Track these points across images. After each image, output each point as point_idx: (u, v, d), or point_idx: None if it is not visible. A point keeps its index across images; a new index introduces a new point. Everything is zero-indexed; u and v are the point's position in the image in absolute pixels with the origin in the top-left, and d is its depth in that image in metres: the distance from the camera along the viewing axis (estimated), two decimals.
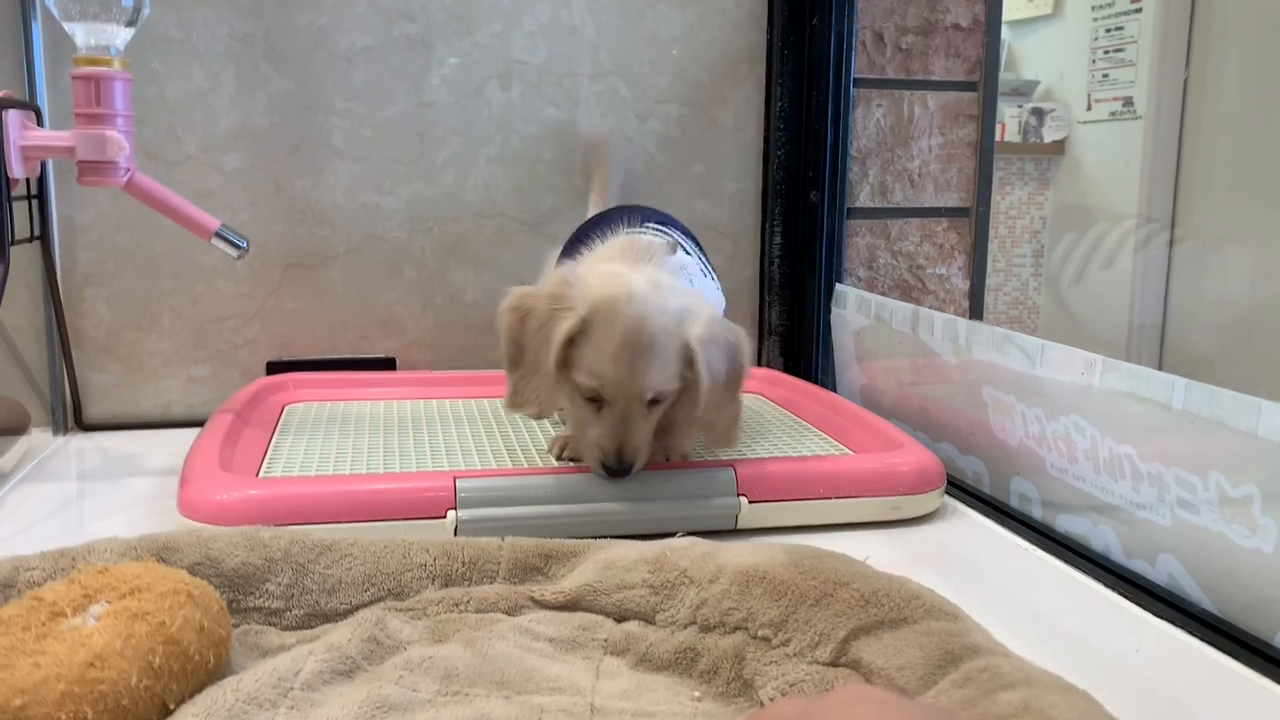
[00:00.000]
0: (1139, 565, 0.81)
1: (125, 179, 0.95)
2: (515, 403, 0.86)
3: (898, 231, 1.39)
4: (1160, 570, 0.79)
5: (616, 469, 0.82)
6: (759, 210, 1.38)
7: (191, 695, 0.55)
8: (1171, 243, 3.08)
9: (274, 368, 1.24)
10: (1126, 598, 0.78)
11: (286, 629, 0.65)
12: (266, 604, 0.66)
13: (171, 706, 0.54)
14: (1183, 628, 0.73)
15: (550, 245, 1.32)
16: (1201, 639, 0.71)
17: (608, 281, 0.83)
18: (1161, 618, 0.74)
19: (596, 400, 0.82)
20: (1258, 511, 0.69)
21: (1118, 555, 0.84)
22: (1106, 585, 0.80)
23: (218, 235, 1.00)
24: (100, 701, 0.51)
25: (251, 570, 0.66)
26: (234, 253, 1.00)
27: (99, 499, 0.97)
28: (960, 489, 1.02)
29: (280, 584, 0.66)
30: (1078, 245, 3.46)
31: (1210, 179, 2.90)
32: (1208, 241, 2.90)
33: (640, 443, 0.83)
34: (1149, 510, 0.79)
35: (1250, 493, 0.70)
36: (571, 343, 0.82)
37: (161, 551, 0.65)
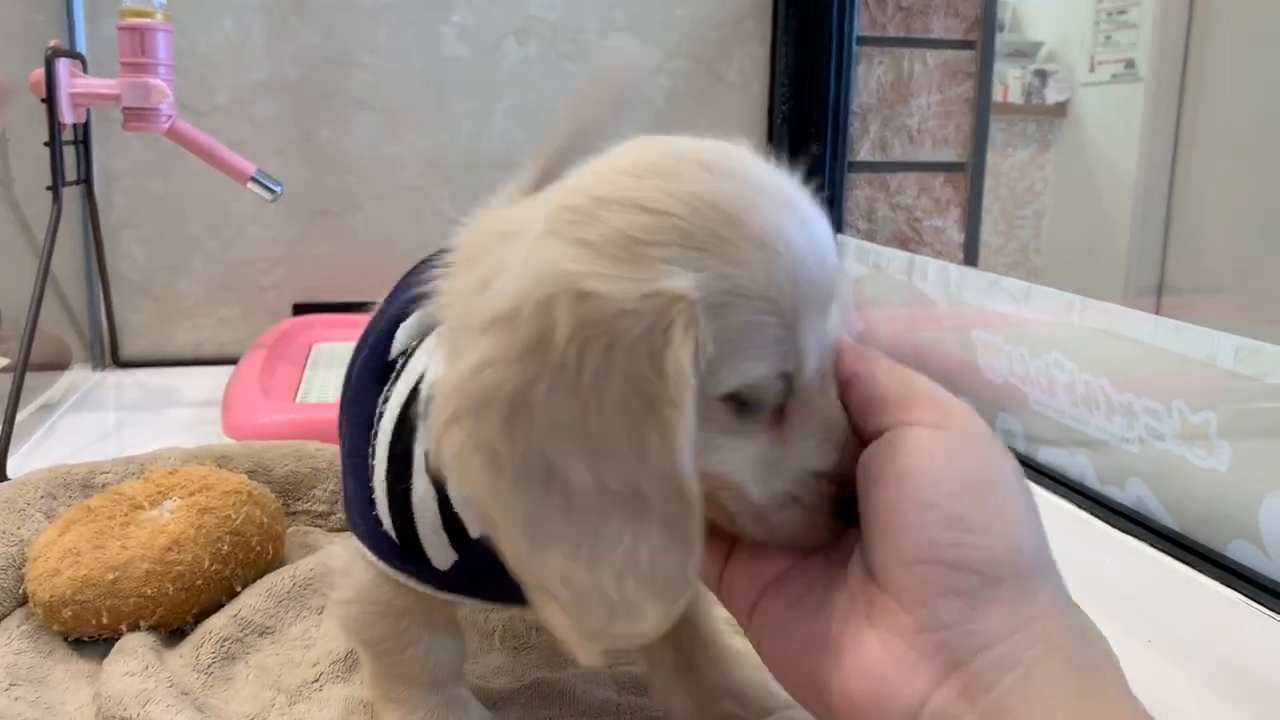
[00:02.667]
0: (1111, 490, 0.88)
1: (167, 125, 1.01)
2: (593, 622, 0.33)
3: (896, 185, 1.45)
4: (1130, 493, 0.86)
5: None
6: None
7: (254, 581, 0.62)
8: (1170, 207, 3.12)
9: (300, 310, 1.31)
10: (1098, 518, 0.85)
11: (332, 531, 0.72)
12: (313, 508, 0.73)
13: (238, 589, 0.61)
14: (1147, 542, 0.80)
15: None
16: (1163, 551, 0.78)
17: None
18: (1128, 534, 0.81)
19: (765, 400, 0.36)
20: (1214, 435, 0.76)
21: (1092, 481, 0.91)
22: (1081, 508, 0.87)
23: (253, 180, 1.06)
24: (179, 580, 0.58)
25: (299, 478, 0.73)
26: (268, 196, 1.07)
27: (140, 427, 1.04)
28: None
29: (326, 490, 0.73)
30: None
31: (1209, 142, 2.94)
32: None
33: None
34: (1120, 438, 0.86)
35: (1208, 418, 0.76)
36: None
37: (218, 459, 0.72)
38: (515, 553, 0.33)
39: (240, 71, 1.26)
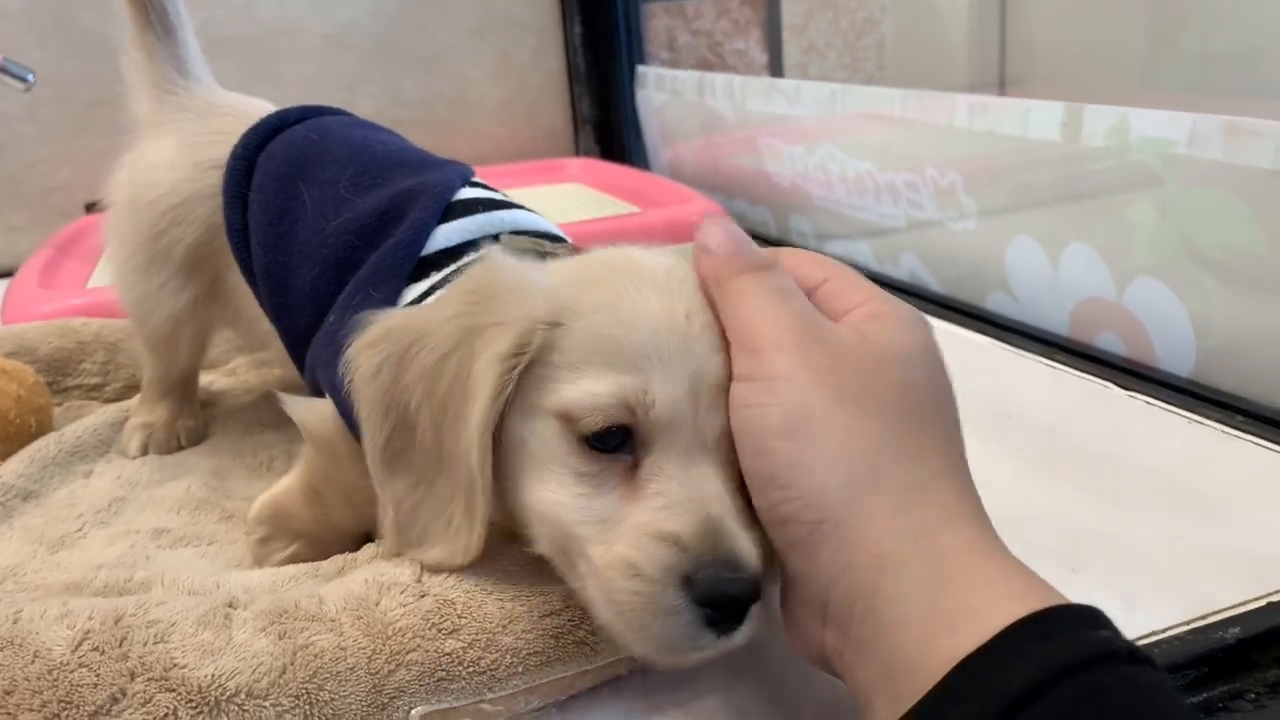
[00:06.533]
0: (888, 269, 0.92)
1: None
2: (406, 541, 0.41)
3: (694, 10, 1.44)
4: (904, 268, 0.90)
5: (731, 584, 0.34)
6: (558, 1, 1.42)
7: (17, 452, 0.62)
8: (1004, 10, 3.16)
9: (93, 208, 1.26)
10: None
11: (107, 401, 0.72)
12: (85, 381, 0.72)
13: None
14: (918, 309, 0.84)
15: (345, 54, 1.34)
16: (932, 315, 0.82)
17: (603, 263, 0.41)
18: None
19: (615, 441, 0.37)
20: (962, 195, 0.80)
21: (873, 264, 0.94)
22: None
23: (0, 69, 1.00)
24: None
25: (66, 354, 0.72)
26: (20, 85, 1.01)
27: None
28: (751, 235, 1.11)
29: (96, 362, 0.72)
30: None
31: None
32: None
33: (754, 530, 0.36)
34: (889, 218, 0.90)
35: (955, 180, 0.80)
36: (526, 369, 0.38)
37: None
38: (372, 465, 0.40)
39: None
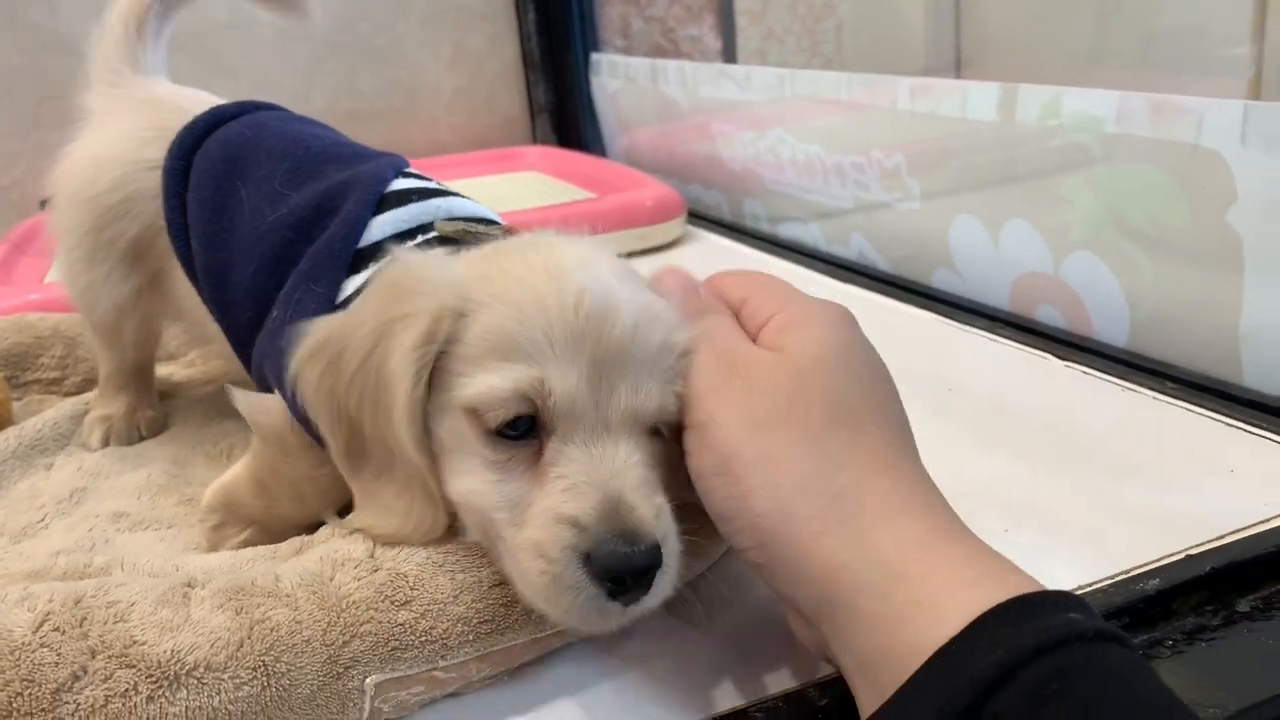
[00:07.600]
0: (838, 249, 0.94)
1: None
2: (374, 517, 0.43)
3: None
4: (853, 248, 0.92)
5: (628, 558, 0.36)
6: None
7: None
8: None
9: (49, 205, 1.25)
10: (828, 275, 0.91)
11: (67, 395, 0.72)
12: (43, 376, 0.72)
13: None
14: (867, 288, 0.86)
15: (299, 45, 1.34)
16: (881, 293, 0.85)
17: (503, 255, 0.42)
18: (852, 284, 0.87)
19: (522, 428, 0.39)
20: (906, 175, 0.82)
21: (823, 245, 0.96)
22: (816, 270, 0.93)
23: None
24: None
25: (24, 349, 0.72)
26: None
27: None
28: (706, 219, 1.13)
29: (54, 356, 0.73)
30: None
31: None
32: None
33: (656, 497, 0.39)
34: (838, 199, 0.91)
35: (899, 161, 0.82)
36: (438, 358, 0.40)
37: None
38: (340, 467, 0.43)
39: None
